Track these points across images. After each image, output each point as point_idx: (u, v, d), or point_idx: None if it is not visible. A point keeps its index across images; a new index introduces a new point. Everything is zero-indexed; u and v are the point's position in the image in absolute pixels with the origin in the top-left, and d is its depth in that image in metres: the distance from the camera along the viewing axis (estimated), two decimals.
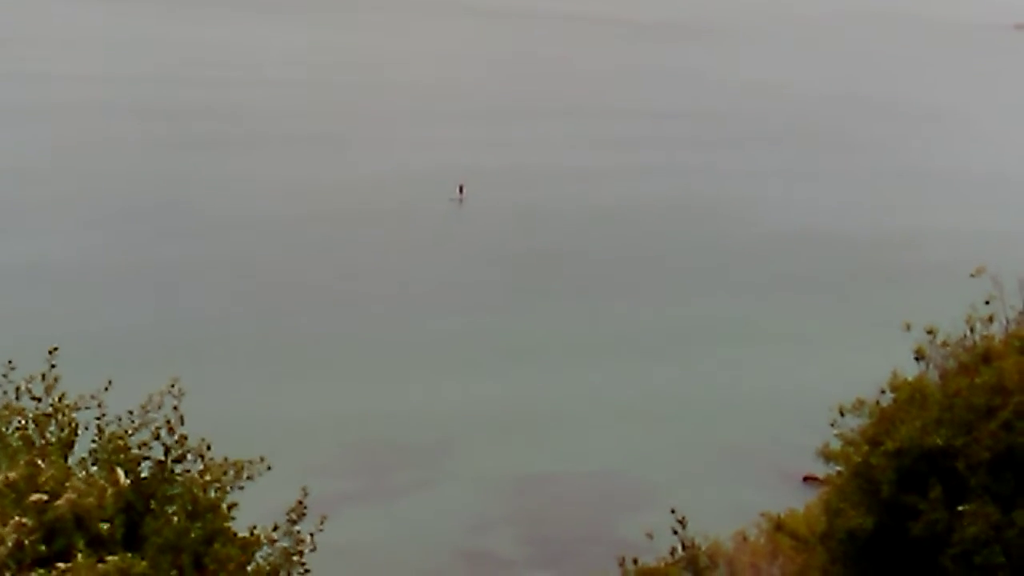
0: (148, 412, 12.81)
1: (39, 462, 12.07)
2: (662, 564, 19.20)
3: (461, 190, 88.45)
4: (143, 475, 12.69)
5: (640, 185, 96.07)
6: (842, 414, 19.70)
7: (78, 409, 12.89)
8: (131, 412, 12.87)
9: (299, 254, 76.09)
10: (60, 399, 12.87)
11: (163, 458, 12.79)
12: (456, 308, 67.20)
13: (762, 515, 24.13)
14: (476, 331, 63.91)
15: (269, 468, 12.99)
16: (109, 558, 11.35)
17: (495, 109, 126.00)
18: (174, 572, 12.16)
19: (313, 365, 58.68)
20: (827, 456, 20.09)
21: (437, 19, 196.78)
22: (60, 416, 12.84)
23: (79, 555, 11.32)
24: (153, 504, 12.57)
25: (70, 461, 12.69)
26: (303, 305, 66.75)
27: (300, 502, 13.15)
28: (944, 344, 19.79)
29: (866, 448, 18.84)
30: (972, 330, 19.75)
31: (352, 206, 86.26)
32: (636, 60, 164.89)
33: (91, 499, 11.70)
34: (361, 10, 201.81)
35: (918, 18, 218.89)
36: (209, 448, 12.92)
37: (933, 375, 19.74)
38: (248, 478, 12.89)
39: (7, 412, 12.80)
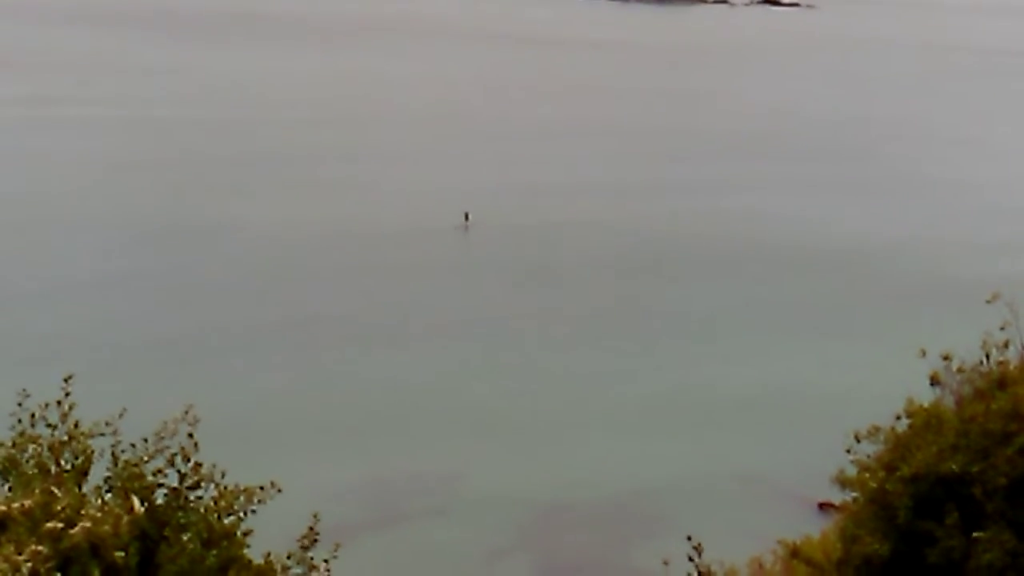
0: (163, 439, 12.83)
1: (54, 490, 12.11)
2: None
3: (467, 217, 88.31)
4: (158, 503, 12.70)
5: (648, 210, 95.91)
6: (858, 440, 19.63)
7: (93, 436, 12.92)
8: (146, 440, 12.89)
9: (301, 285, 75.47)
10: (75, 426, 12.90)
11: (178, 485, 12.80)
12: (464, 339, 67.02)
13: (778, 542, 24.02)
14: (487, 361, 63.81)
15: (280, 491, 13.00)
16: None
17: (506, 134, 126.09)
18: None
19: (324, 394, 58.66)
20: (843, 482, 20.01)
21: (455, 46, 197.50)
22: (75, 444, 12.87)
23: None
24: (168, 532, 12.58)
25: (85, 489, 12.71)
26: (311, 337, 66.49)
27: (312, 528, 13.17)
28: (959, 370, 19.72)
29: (882, 474, 18.78)
30: (987, 356, 19.68)
31: (356, 233, 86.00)
32: (649, 84, 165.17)
33: (106, 527, 11.72)
34: (374, 37, 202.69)
35: (941, 46, 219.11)
36: (224, 475, 12.93)
37: (949, 401, 19.67)
38: (259, 502, 12.90)
39: (23, 440, 12.83)
